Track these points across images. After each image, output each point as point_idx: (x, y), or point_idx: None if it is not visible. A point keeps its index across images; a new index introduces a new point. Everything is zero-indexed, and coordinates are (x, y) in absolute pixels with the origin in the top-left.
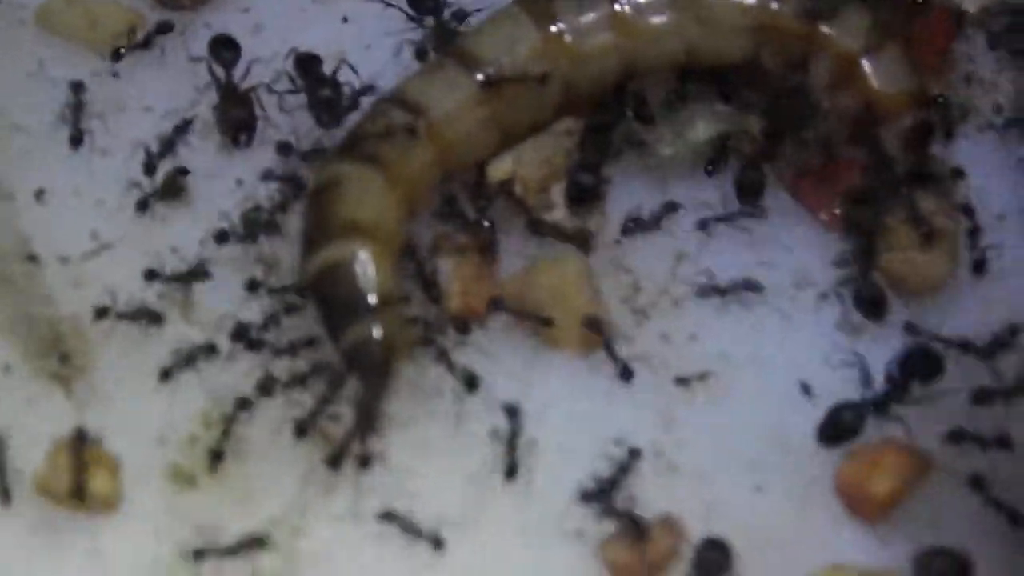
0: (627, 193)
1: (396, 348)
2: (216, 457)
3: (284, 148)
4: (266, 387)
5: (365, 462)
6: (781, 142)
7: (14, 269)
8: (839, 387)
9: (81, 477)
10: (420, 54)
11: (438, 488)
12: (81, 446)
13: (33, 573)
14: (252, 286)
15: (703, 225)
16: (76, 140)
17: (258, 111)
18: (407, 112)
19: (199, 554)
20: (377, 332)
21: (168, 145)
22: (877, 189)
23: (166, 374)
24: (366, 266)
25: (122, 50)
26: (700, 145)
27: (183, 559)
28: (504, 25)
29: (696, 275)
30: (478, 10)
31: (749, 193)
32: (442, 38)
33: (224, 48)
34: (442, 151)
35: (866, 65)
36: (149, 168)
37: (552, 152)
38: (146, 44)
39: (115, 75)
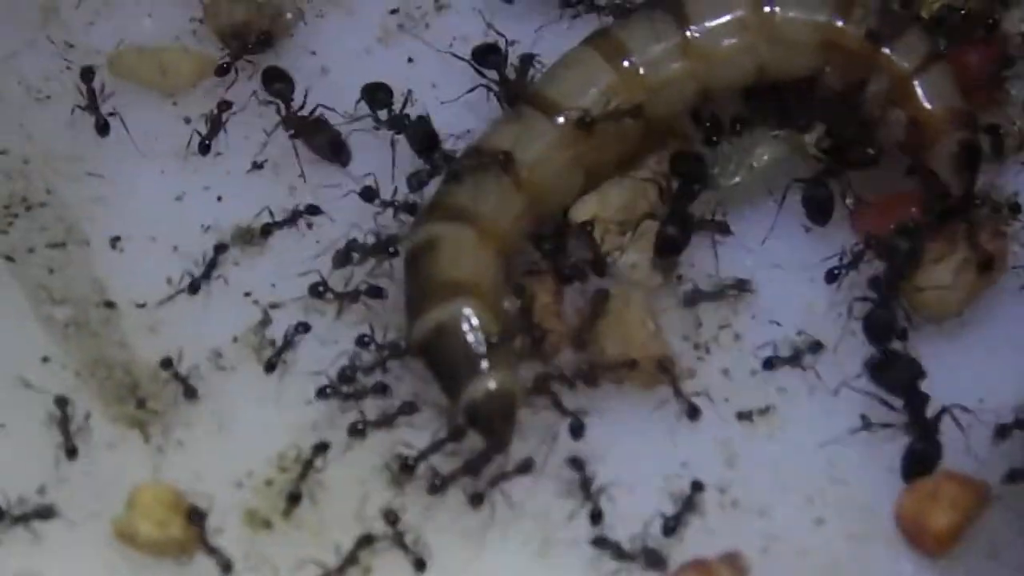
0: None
1: (513, 399)
2: (293, 500)
3: (368, 193)
4: (358, 430)
5: (478, 500)
6: (842, 158)
7: (91, 315)
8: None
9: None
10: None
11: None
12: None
13: None
14: (362, 342)
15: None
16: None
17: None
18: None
19: None
20: (493, 386)
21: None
22: (927, 217)
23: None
24: (472, 322)
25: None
26: (762, 171)
27: None
28: (578, 66)
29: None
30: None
31: (817, 211)
32: (510, 91)
33: (275, 80)
34: (530, 198)
35: (917, 85)
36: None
37: (633, 197)
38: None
39: (186, 120)
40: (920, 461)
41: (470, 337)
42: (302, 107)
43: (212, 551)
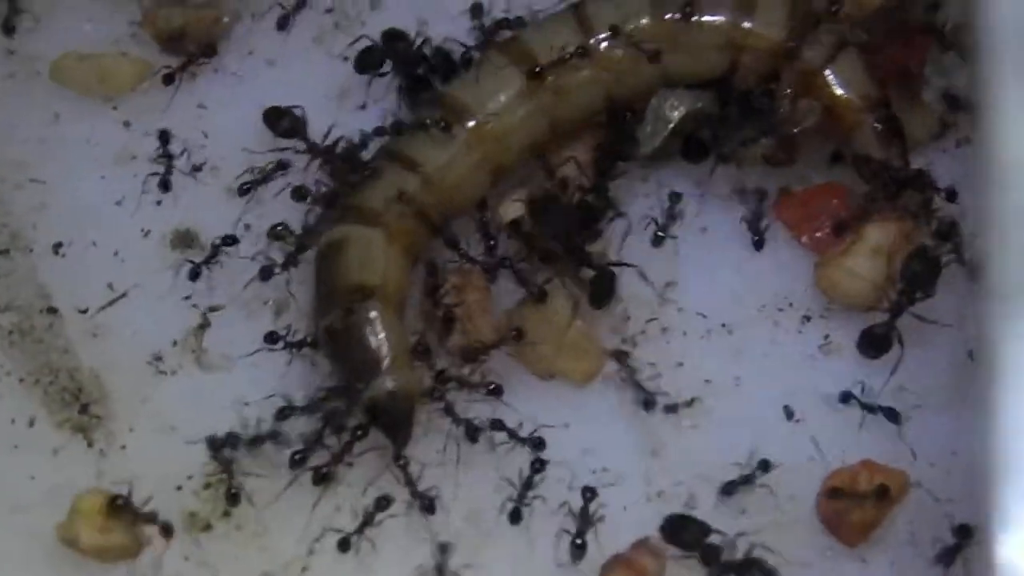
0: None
1: (412, 400)
2: (232, 499)
3: (299, 193)
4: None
5: (429, 507)
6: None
7: (35, 322)
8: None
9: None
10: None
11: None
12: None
13: None
14: (272, 339)
15: None
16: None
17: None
18: (405, 169)
19: None
20: (392, 387)
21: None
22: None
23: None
24: (374, 324)
25: None
26: (680, 126)
27: None
28: (490, 72)
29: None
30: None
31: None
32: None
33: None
34: (437, 199)
35: (828, 75)
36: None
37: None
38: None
39: (126, 124)
40: None
41: (371, 339)
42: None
43: (149, 518)
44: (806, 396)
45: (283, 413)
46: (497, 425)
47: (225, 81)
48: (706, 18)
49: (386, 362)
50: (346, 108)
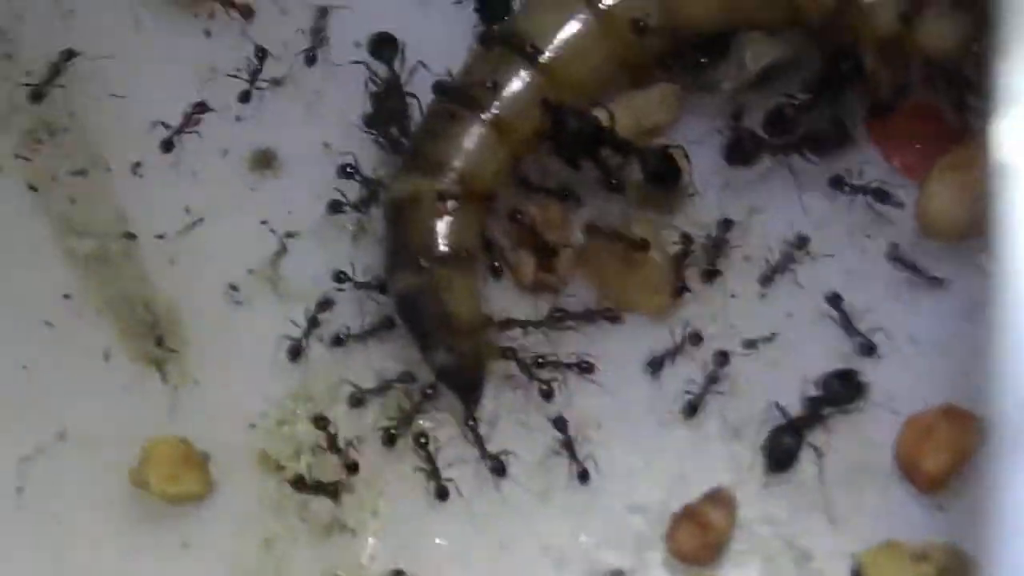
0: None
1: (484, 361)
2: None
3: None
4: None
5: (499, 470)
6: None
7: (112, 248)
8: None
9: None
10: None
11: None
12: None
13: (130, 564)
14: (340, 279)
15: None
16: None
17: None
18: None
19: None
20: (465, 349)
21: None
22: None
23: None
24: (449, 290)
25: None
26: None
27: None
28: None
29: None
30: None
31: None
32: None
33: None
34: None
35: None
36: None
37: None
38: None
39: (207, 33)
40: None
41: (442, 304)
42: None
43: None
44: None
45: (354, 399)
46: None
47: None
48: None
49: (458, 326)
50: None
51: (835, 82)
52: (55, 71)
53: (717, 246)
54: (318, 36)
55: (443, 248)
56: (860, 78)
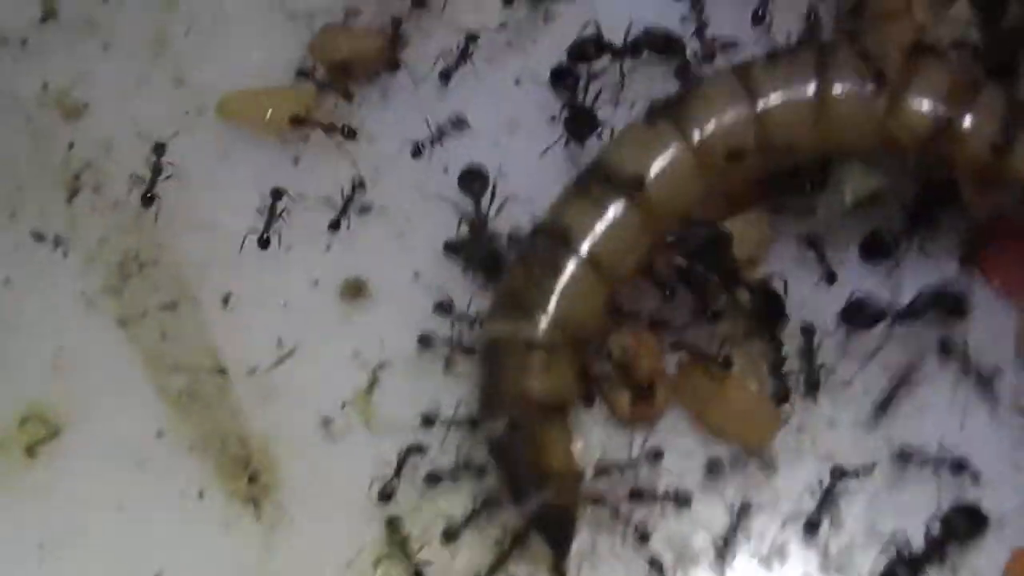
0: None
1: (575, 511)
2: None
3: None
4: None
5: None
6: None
7: (204, 383)
8: None
9: None
10: None
11: None
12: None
13: None
14: (428, 421)
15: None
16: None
17: None
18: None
19: None
20: (555, 499)
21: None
22: None
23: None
24: (542, 439)
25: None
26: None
27: None
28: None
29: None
30: None
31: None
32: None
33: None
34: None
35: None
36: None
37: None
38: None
39: (295, 161)
40: None
41: (534, 453)
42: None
43: None
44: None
45: (448, 534)
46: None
47: (393, 109)
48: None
49: (550, 475)
50: (519, 135)
51: (931, 210)
52: (157, 169)
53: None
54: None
55: (537, 396)
56: (956, 205)
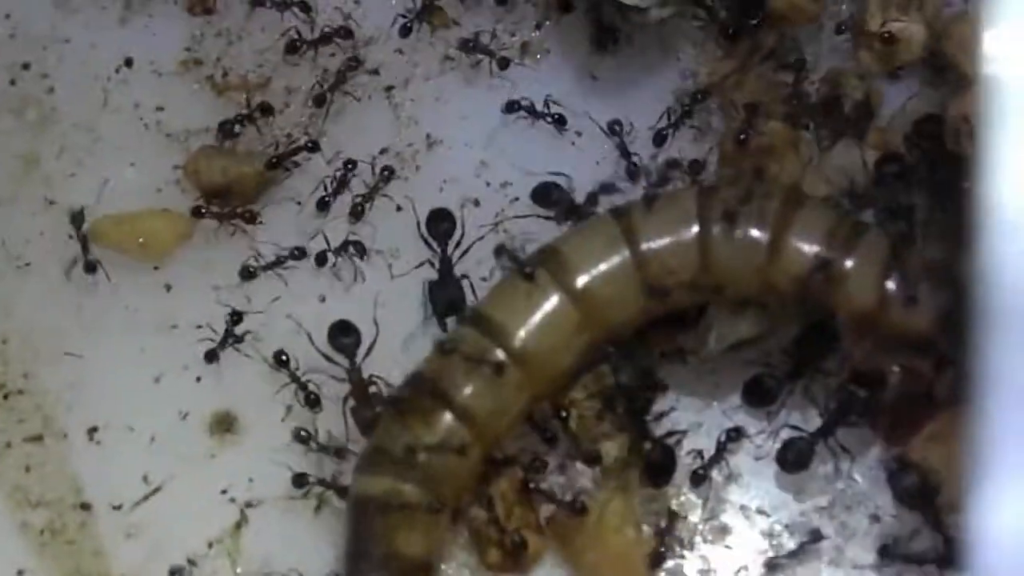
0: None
1: None
2: None
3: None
4: None
5: None
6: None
7: (67, 519)
8: None
9: None
10: None
11: None
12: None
13: None
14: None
15: None
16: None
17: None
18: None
19: None
20: None
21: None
22: None
23: None
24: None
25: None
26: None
27: None
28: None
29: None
30: None
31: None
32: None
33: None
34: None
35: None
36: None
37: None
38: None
39: (168, 288)
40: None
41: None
42: None
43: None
44: None
45: None
46: None
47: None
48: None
49: None
50: None
51: (812, 353)
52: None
53: None
54: None
55: (411, 560)
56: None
